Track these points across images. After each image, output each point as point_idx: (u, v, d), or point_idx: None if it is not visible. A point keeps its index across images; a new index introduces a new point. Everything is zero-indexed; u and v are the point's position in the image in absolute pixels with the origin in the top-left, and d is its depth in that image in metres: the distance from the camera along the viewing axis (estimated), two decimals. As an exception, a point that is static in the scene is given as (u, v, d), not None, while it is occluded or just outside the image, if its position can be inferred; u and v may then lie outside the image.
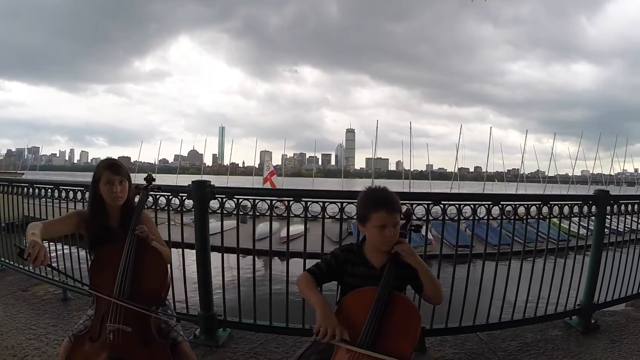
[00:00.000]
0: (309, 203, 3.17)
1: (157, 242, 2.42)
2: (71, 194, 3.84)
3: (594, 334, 3.60)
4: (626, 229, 4.20)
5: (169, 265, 2.44)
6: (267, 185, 26.93)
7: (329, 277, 2.21)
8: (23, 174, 31.02)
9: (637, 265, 4.14)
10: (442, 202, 3.19)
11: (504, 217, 3.36)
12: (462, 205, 3.22)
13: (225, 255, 3.36)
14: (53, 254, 4.16)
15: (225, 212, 3.27)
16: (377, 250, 2.13)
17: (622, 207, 3.80)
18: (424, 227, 3.04)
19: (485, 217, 3.29)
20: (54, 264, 3.93)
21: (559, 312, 3.68)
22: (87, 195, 3.64)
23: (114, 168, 2.39)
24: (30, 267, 4.54)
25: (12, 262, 4.86)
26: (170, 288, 2.88)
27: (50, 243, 4.18)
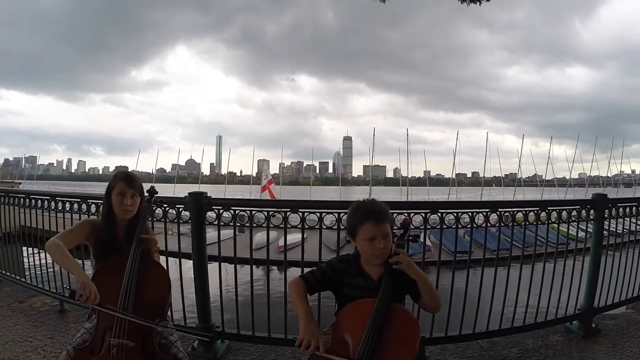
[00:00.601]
0: (306, 214, 3.16)
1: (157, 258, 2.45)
2: (67, 205, 3.81)
3: (595, 338, 3.59)
4: (625, 230, 4.19)
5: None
6: (265, 194, 26.98)
7: (323, 286, 2.20)
8: (20, 183, 30.98)
9: (637, 267, 4.14)
10: (440, 211, 3.18)
11: (503, 224, 3.36)
12: (460, 214, 3.21)
13: (222, 265, 3.34)
14: (51, 266, 4.16)
15: (222, 222, 3.26)
16: (372, 262, 2.12)
17: (621, 210, 3.80)
18: (422, 235, 3.04)
19: (484, 225, 3.29)
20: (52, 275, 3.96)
21: (559, 317, 3.66)
22: (83, 206, 3.63)
23: (129, 180, 2.42)
24: (28, 280, 4.52)
25: (8, 273, 4.82)
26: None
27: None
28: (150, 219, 3.22)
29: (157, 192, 2.69)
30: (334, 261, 2.23)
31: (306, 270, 2.97)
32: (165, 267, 2.48)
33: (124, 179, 2.42)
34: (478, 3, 5.25)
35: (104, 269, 2.27)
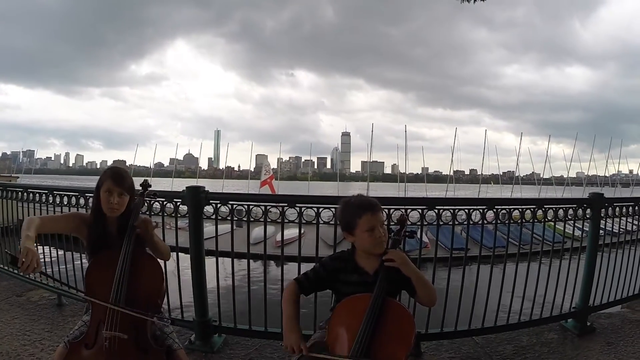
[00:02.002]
0: (303, 209, 3.17)
1: (157, 238, 2.46)
2: (65, 199, 3.82)
3: (590, 337, 3.61)
4: (621, 230, 4.21)
5: (164, 272, 2.44)
6: (264, 188, 26.90)
7: (318, 287, 2.24)
8: (18, 177, 30.89)
9: (632, 266, 4.16)
10: (437, 207, 3.19)
11: (499, 221, 3.37)
12: (456, 210, 3.22)
13: (220, 259, 3.35)
14: (48, 259, 4.16)
15: (219, 217, 3.26)
16: (369, 256, 2.14)
17: (617, 209, 3.82)
18: (419, 231, 3.05)
19: (480, 222, 3.30)
20: (48, 270, 3.95)
21: (554, 315, 3.68)
22: (81, 200, 3.63)
23: (117, 179, 2.34)
24: (24, 273, 4.52)
25: (6, 267, 4.83)
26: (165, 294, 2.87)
27: (45, 246, 4.18)
28: (148, 213, 3.22)
29: (150, 186, 2.65)
30: (327, 260, 2.24)
31: (303, 265, 3.01)
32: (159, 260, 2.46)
33: (112, 177, 2.34)
34: (472, 1, 5.28)
35: (97, 263, 2.26)
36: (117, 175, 2.36)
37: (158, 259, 2.43)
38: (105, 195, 2.32)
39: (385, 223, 2.30)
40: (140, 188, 2.60)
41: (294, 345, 1.91)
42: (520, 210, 3.43)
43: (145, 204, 2.94)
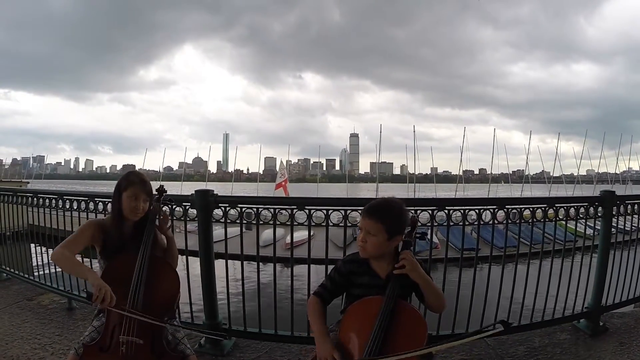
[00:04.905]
0: (312, 211, 3.16)
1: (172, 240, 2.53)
2: (75, 204, 3.84)
3: (603, 337, 3.56)
4: (633, 228, 4.16)
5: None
6: (279, 191, 26.99)
7: (337, 293, 2.22)
8: (28, 182, 31.15)
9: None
10: (447, 208, 3.17)
11: (510, 221, 3.34)
12: (467, 210, 3.20)
13: (229, 262, 3.35)
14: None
15: (229, 220, 3.26)
16: (381, 259, 2.13)
17: (629, 207, 3.77)
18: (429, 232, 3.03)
19: (491, 222, 3.28)
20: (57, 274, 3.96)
21: (566, 315, 3.64)
22: (90, 205, 3.64)
23: (142, 184, 2.41)
24: (36, 278, 4.55)
25: (17, 271, 4.86)
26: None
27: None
28: (159, 216, 3.23)
29: (166, 191, 2.69)
30: (340, 264, 2.23)
31: (312, 267, 3.00)
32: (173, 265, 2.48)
33: (139, 183, 2.40)
34: None
35: (113, 268, 2.27)
36: (142, 181, 2.43)
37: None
38: (131, 200, 2.36)
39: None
40: (157, 193, 2.62)
41: (327, 356, 1.91)
42: (531, 209, 3.40)
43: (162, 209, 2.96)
